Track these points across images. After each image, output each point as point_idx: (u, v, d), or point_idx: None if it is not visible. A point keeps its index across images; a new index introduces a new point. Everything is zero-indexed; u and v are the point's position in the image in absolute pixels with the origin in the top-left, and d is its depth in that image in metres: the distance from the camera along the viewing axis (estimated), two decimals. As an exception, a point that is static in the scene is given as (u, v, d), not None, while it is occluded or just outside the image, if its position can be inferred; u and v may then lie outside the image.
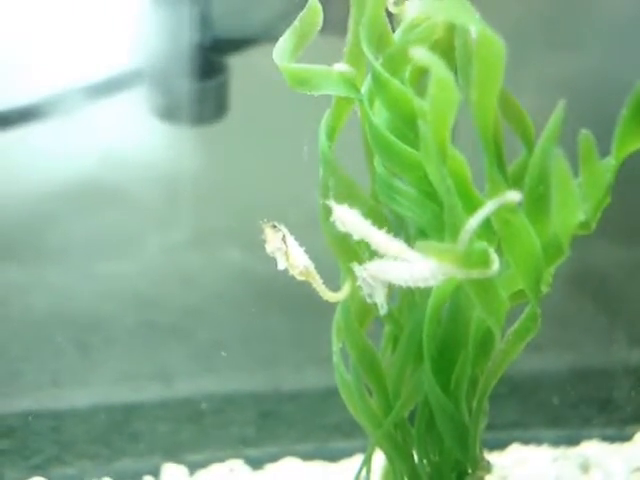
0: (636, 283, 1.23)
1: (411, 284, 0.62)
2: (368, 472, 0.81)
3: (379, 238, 0.63)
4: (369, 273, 0.64)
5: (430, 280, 0.61)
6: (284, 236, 0.68)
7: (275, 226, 0.68)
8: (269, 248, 0.68)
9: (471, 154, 0.67)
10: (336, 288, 0.74)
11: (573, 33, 1.12)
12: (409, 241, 0.71)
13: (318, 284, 0.70)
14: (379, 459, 0.83)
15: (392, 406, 0.76)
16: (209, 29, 1.08)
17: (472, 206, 0.62)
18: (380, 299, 0.65)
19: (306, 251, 0.70)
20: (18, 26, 1.10)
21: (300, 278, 0.70)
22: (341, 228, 0.66)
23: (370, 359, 0.75)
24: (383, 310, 0.66)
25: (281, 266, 0.68)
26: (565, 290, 1.19)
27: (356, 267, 0.65)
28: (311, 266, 0.69)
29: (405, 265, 0.62)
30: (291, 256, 0.68)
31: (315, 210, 0.74)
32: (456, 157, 0.61)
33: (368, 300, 0.66)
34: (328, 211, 0.71)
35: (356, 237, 0.66)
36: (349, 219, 0.65)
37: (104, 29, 1.12)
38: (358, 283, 0.65)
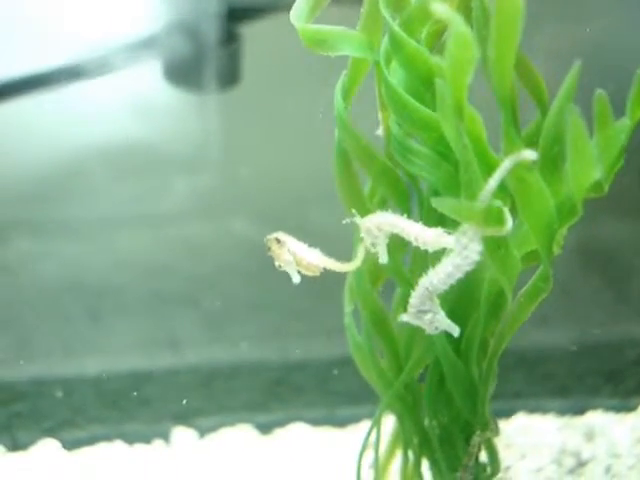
0: (643, 258, 1.24)
1: (460, 275, 0.61)
2: (378, 433, 0.82)
3: (415, 230, 0.62)
4: (423, 295, 0.63)
5: (474, 255, 0.60)
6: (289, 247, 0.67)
7: (278, 239, 0.68)
8: (279, 263, 0.67)
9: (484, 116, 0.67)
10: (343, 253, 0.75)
11: (586, 2, 1.12)
12: (423, 202, 0.71)
13: (334, 266, 0.70)
14: (388, 422, 0.84)
15: (403, 367, 0.77)
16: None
17: (488, 165, 0.63)
18: (444, 321, 0.64)
19: (320, 219, 0.70)
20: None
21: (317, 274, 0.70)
22: (376, 234, 0.65)
23: (382, 320, 0.77)
24: (456, 332, 0.65)
25: (295, 279, 0.68)
26: (573, 264, 1.20)
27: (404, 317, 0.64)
28: (322, 259, 0.68)
29: (444, 263, 0.61)
30: (303, 262, 0.68)
31: (330, 178, 0.74)
32: (472, 115, 0.61)
33: (430, 330, 0.65)
34: (344, 177, 0.72)
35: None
36: (383, 221, 0.64)
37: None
38: (410, 319, 0.64)
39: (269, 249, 0.67)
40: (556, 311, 1.17)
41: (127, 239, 1.25)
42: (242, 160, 1.24)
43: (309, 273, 0.68)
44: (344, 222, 0.68)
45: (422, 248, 0.63)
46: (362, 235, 0.66)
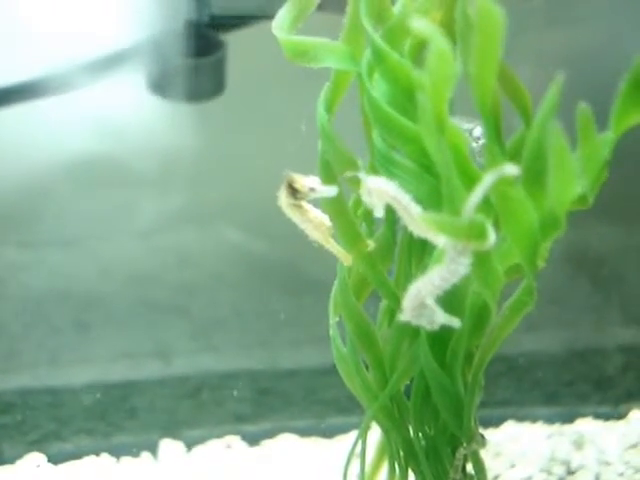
0: (631, 264, 1.24)
1: (447, 286, 0.61)
2: (364, 445, 0.81)
3: (414, 213, 0.61)
4: (414, 303, 0.63)
5: (461, 269, 0.60)
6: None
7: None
8: (303, 192, 0.65)
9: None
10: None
11: (572, 8, 1.12)
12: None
13: (332, 244, 0.70)
14: (374, 434, 0.84)
15: (388, 379, 0.76)
16: (207, 5, 1.08)
17: (469, 179, 0.62)
18: (442, 318, 0.64)
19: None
20: (17, 3, 1.10)
21: (321, 240, 0.69)
22: (375, 200, 0.63)
23: (366, 332, 0.76)
24: (457, 324, 0.65)
25: (330, 192, 0.66)
26: (562, 270, 1.20)
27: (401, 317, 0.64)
28: (329, 234, 0.68)
29: (430, 273, 0.61)
30: (316, 219, 0.67)
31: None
32: (454, 129, 0.61)
33: (430, 327, 0.64)
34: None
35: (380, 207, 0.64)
36: (388, 189, 0.62)
37: (101, 5, 1.11)
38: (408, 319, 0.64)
39: (291, 178, 0.65)
40: (545, 318, 1.17)
41: (114, 249, 1.24)
42: (229, 168, 1.23)
43: (315, 235, 0.67)
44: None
45: (409, 229, 0.62)
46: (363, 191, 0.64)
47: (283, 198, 0.67)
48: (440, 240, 0.60)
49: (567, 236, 0.67)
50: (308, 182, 0.66)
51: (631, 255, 1.23)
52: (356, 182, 0.71)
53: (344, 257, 0.72)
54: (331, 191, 0.66)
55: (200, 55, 1.09)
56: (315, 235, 0.69)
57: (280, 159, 1.18)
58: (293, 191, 0.66)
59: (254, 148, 1.21)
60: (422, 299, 0.62)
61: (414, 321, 0.64)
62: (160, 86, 1.11)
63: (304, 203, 0.67)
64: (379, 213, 0.64)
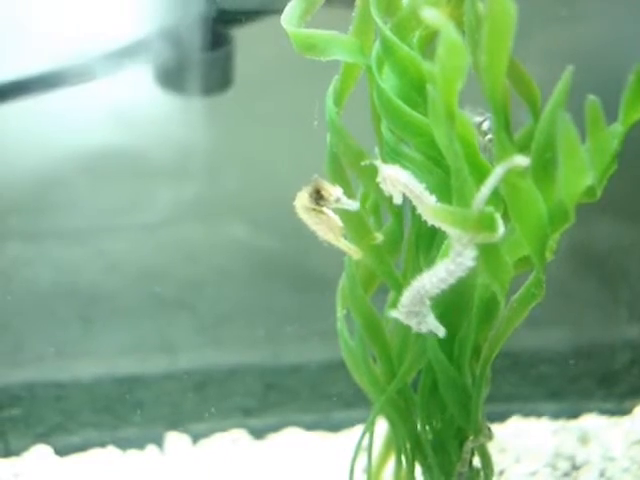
0: (638, 260, 1.24)
1: (453, 281, 0.61)
2: (371, 438, 0.81)
3: (429, 201, 0.62)
4: (414, 298, 0.63)
5: (468, 262, 0.60)
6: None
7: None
8: (328, 200, 0.66)
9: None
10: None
11: (577, 4, 1.12)
12: (415, 207, 0.71)
13: (343, 243, 0.70)
14: (381, 427, 0.84)
15: (396, 372, 0.77)
16: (215, 0, 1.08)
17: (479, 171, 0.63)
18: (431, 323, 0.65)
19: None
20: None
21: (332, 240, 0.69)
22: (390, 189, 0.64)
23: (374, 325, 0.76)
24: (441, 333, 0.66)
25: (353, 206, 0.67)
26: (568, 266, 1.20)
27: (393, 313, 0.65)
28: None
29: (437, 267, 0.61)
30: (331, 221, 0.68)
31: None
32: (464, 121, 0.61)
33: (417, 329, 0.66)
34: (337, 181, 0.72)
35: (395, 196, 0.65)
36: (401, 178, 0.62)
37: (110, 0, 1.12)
38: (399, 316, 0.65)
39: (320, 184, 0.66)
40: (550, 313, 1.17)
41: (120, 244, 1.24)
42: (235, 164, 1.23)
43: (328, 235, 0.68)
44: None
45: (423, 218, 0.63)
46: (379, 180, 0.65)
47: (303, 201, 0.67)
48: (452, 231, 0.60)
49: (573, 231, 0.67)
50: (335, 191, 0.66)
51: (637, 251, 1.23)
52: (366, 174, 0.71)
53: (354, 252, 0.72)
54: (354, 205, 0.67)
55: (208, 49, 1.09)
56: (327, 236, 0.69)
57: (287, 154, 1.19)
58: (318, 196, 0.66)
59: (261, 144, 1.21)
60: (424, 294, 0.62)
61: (405, 320, 0.65)
62: (168, 80, 1.11)
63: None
64: (398, 200, 0.64)
